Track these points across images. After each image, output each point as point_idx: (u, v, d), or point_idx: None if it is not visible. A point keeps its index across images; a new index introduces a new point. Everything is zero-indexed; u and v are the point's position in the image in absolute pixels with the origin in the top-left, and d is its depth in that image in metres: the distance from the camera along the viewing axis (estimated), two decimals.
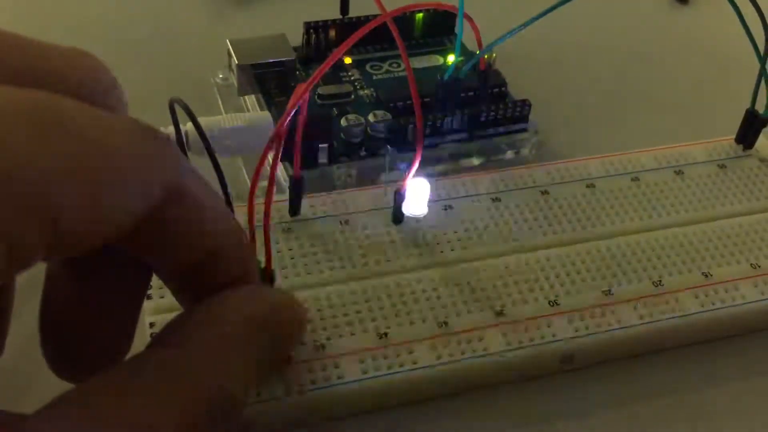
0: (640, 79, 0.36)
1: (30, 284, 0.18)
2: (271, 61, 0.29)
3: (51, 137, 0.13)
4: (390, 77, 0.31)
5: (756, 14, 0.25)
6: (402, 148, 0.27)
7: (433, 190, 0.25)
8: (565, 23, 0.33)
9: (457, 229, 0.25)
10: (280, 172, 0.27)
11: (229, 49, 0.29)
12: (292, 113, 0.20)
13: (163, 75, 0.33)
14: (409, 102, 0.28)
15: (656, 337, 0.23)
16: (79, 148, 0.13)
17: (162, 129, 0.22)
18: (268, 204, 0.21)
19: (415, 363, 0.21)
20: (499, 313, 0.22)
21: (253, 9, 0.38)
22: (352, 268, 0.23)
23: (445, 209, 0.25)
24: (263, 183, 0.24)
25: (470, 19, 0.28)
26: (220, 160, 0.20)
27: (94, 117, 0.14)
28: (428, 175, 0.25)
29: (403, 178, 0.24)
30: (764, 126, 0.28)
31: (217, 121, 0.26)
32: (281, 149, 0.20)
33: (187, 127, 0.23)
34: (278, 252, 0.23)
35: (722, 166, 0.28)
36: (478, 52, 0.28)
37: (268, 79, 0.29)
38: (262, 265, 0.21)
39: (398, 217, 0.25)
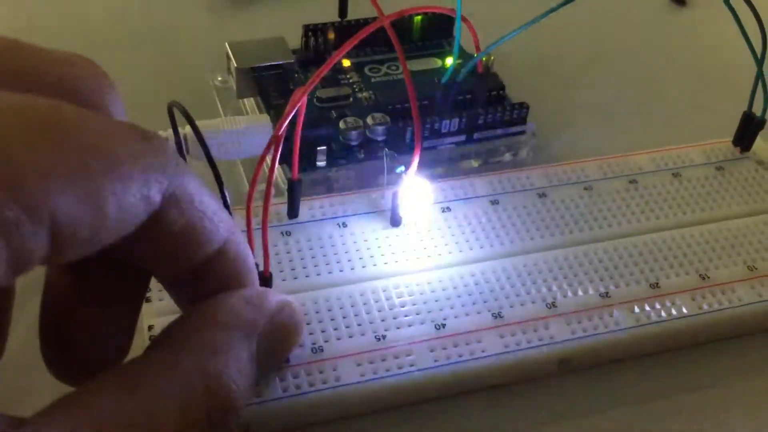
0: (638, 81, 0.36)
1: (30, 286, 0.18)
2: (270, 64, 0.29)
3: (51, 142, 0.13)
4: (388, 80, 0.31)
5: (753, 17, 0.25)
6: (400, 151, 0.27)
7: (432, 192, 0.25)
8: (563, 26, 0.33)
9: (455, 231, 0.25)
10: (279, 174, 0.27)
11: (227, 52, 0.29)
12: (291, 116, 0.20)
13: (162, 78, 0.33)
14: (407, 105, 0.28)
15: (653, 339, 0.23)
16: (79, 152, 0.13)
17: (161, 132, 0.22)
18: (266, 207, 0.21)
19: (413, 365, 0.21)
20: (497, 316, 0.22)
21: (251, 12, 0.38)
22: (350, 270, 0.23)
23: (443, 211, 0.25)
24: (262, 186, 0.24)
25: (468, 22, 0.28)
26: (219, 163, 0.20)
27: (92, 121, 0.14)
28: (426, 178, 0.25)
29: (401, 181, 0.24)
30: (761, 128, 0.28)
31: (215, 124, 0.26)
32: (280, 152, 0.20)
33: (186, 130, 0.24)
34: (276, 254, 0.24)
35: (719, 169, 0.28)
36: (476, 55, 0.28)
37: (266, 82, 0.29)
38: (261, 267, 0.21)
39: (396, 219, 0.25)
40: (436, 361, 0.21)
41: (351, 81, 0.31)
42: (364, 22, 0.32)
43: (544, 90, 0.34)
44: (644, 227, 0.26)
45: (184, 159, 0.22)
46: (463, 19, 0.28)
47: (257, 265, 0.19)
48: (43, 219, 0.13)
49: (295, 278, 0.23)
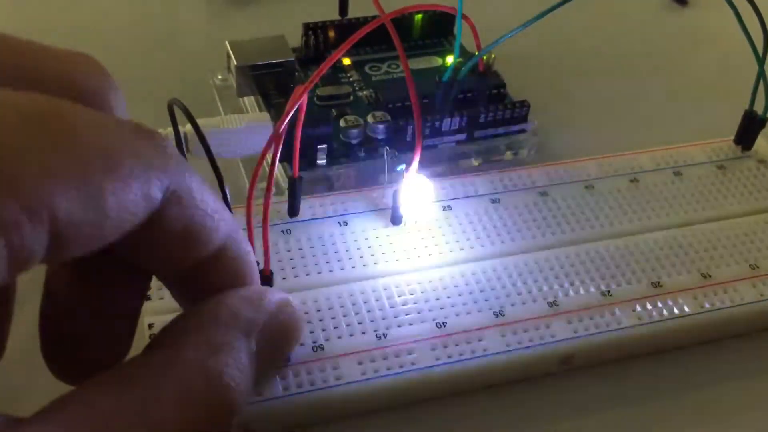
0: (639, 80, 0.36)
1: (30, 285, 0.18)
2: (270, 62, 0.29)
3: (51, 140, 0.13)
4: (389, 78, 0.31)
5: (755, 15, 0.25)
6: (401, 149, 0.27)
7: (432, 190, 0.25)
8: (564, 24, 0.33)
9: (456, 230, 0.25)
10: (279, 173, 0.27)
11: (228, 51, 0.29)
12: (291, 114, 0.20)
13: (162, 76, 0.33)
14: (408, 103, 0.28)
15: (655, 338, 0.23)
16: (79, 150, 0.13)
17: (161, 130, 0.22)
18: (266, 205, 0.21)
19: (414, 364, 0.21)
20: (498, 314, 0.22)
21: (252, 10, 0.38)
22: (351, 269, 0.23)
23: (444, 210, 0.25)
24: (262, 184, 0.24)
25: (469, 21, 0.28)
26: (219, 162, 0.20)
27: (93, 119, 0.14)
28: (427, 176, 0.25)
29: (402, 179, 0.24)
30: (763, 127, 0.28)
31: (216, 122, 0.26)
32: (280, 150, 0.20)
33: (186, 128, 0.23)
34: (277, 253, 0.23)
35: (721, 167, 0.28)
36: (476, 53, 0.28)
37: (267, 81, 0.29)
38: (261, 266, 0.21)
39: (397, 218, 0.25)
40: (437, 359, 0.21)
41: (351, 79, 0.31)
42: (365, 21, 0.32)
43: (545, 89, 0.34)
44: (645, 226, 0.26)
45: (185, 157, 0.22)
46: (464, 17, 0.28)
47: (258, 264, 0.19)
48: (43, 218, 0.13)
49: (296, 276, 0.23)
